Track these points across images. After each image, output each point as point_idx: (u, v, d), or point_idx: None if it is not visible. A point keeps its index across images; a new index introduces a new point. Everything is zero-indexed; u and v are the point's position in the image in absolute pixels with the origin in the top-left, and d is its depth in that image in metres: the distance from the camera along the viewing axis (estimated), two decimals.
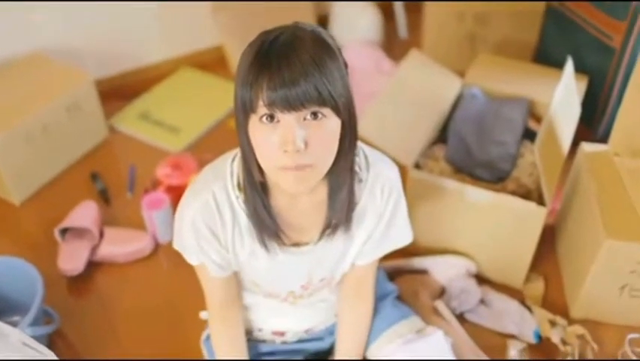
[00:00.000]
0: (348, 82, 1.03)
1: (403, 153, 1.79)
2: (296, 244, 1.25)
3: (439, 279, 1.85)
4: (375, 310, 1.52)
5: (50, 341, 1.74)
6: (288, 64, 0.93)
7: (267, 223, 1.17)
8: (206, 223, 1.18)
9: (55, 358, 1.19)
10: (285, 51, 0.95)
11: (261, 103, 0.96)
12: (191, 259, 1.25)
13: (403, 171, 1.86)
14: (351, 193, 1.16)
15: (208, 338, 1.61)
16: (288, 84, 0.93)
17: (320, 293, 1.41)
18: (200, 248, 1.22)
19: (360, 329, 1.44)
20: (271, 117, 0.97)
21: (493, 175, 1.85)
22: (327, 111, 0.98)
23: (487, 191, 1.72)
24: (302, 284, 1.34)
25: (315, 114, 0.97)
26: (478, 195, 1.72)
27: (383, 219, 1.27)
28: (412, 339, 1.48)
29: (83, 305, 1.87)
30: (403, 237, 1.36)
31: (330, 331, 1.54)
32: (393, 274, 1.84)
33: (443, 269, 1.85)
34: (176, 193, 2.04)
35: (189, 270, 1.53)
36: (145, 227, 2.03)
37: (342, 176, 1.12)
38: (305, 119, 0.98)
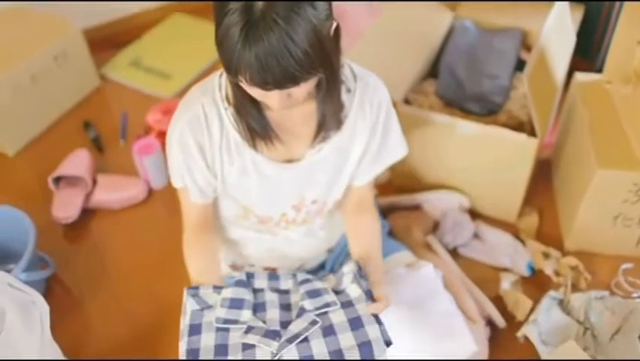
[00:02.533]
0: (330, 35, 1.01)
1: (392, 89, 1.75)
2: (287, 161, 1.25)
3: (431, 214, 1.84)
4: None
5: (47, 287, 1.76)
6: (265, 53, 0.93)
7: (257, 128, 1.17)
8: (193, 137, 1.18)
9: (41, 298, 1.20)
10: (259, 35, 0.93)
11: (243, 78, 0.98)
12: (176, 180, 1.27)
13: (394, 106, 1.85)
14: (339, 101, 1.17)
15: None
16: (267, 74, 0.95)
17: (311, 224, 1.40)
18: (187, 167, 1.22)
19: (372, 236, 1.37)
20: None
21: (484, 108, 1.83)
22: (304, 84, 1.01)
23: (477, 124, 1.69)
24: (294, 204, 1.33)
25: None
26: (468, 129, 1.70)
27: (377, 132, 1.27)
28: (402, 272, 1.48)
29: (78, 251, 1.89)
30: (398, 149, 1.36)
31: (322, 266, 1.55)
32: (385, 211, 1.84)
33: (436, 204, 1.84)
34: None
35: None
36: (138, 173, 2.03)
37: (329, 87, 1.12)
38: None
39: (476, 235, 1.83)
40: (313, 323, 1.10)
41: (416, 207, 1.88)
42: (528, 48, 1.99)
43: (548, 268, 1.71)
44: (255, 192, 1.29)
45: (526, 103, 1.81)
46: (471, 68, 1.88)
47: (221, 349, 1.08)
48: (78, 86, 2.36)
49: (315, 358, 1.05)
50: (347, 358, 1.05)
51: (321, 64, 0.98)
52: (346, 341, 1.07)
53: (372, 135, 1.28)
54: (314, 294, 1.16)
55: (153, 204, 2.00)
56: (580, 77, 1.82)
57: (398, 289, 1.43)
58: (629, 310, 1.54)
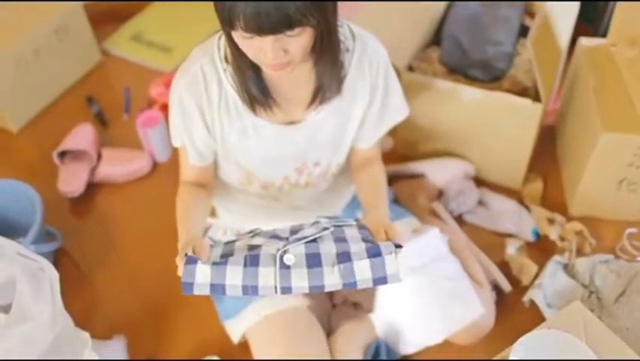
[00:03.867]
0: None
1: (396, 56, 1.75)
2: (288, 123, 1.25)
3: (436, 182, 1.84)
4: None
5: (55, 260, 1.77)
6: None
7: (256, 93, 1.17)
8: (193, 98, 1.20)
9: (50, 265, 1.21)
10: None
11: (238, 25, 0.99)
12: (175, 140, 1.28)
13: (397, 73, 1.84)
14: (337, 61, 1.17)
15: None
16: (262, 15, 0.95)
17: (316, 187, 1.40)
18: (186, 129, 1.24)
19: (379, 182, 1.37)
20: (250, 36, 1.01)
21: (488, 75, 1.82)
22: (299, 30, 1.00)
23: (481, 89, 1.69)
24: (296, 167, 1.33)
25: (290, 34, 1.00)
26: (472, 95, 1.70)
27: (377, 92, 1.28)
28: (408, 237, 1.48)
29: (84, 225, 1.90)
30: (400, 109, 1.37)
31: None
32: (389, 180, 1.83)
33: (440, 172, 1.84)
34: None
35: None
36: (142, 147, 2.03)
37: (326, 47, 1.11)
38: (288, 36, 1.01)
39: (481, 202, 1.83)
40: (325, 229, 1.09)
41: (420, 176, 1.88)
42: (531, 15, 1.97)
43: (553, 234, 1.71)
44: (255, 155, 1.30)
45: (530, 69, 1.80)
46: (474, 35, 1.86)
47: (227, 255, 1.06)
48: (80, 61, 2.35)
49: (322, 257, 1.02)
50: (354, 260, 1.02)
51: (316, 10, 0.98)
52: (356, 248, 1.04)
53: (372, 95, 1.28)
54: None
55: (158, 176, 2.01)
56: (584, 41, 1.80)
57: (404, 255, 1.44)
58: (634, 272, 1.54)
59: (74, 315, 1.41)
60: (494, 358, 1.17)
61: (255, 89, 1.17)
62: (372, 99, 1.29)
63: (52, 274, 1.19)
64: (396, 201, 1.72)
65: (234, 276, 1.02)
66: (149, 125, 1.96)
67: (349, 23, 1.24)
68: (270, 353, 1.41)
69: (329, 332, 1.49)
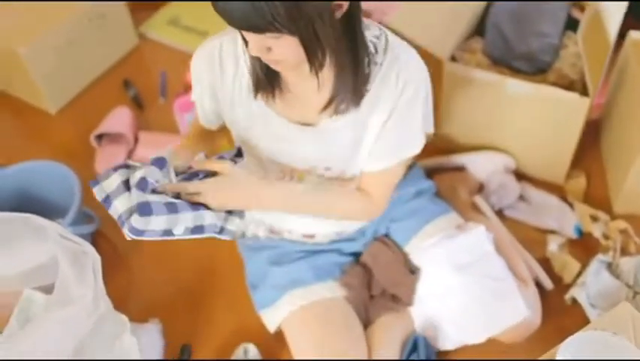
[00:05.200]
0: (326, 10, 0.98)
1: (438, 46, 1.72)
2: (301, 124, 1.22)
3: (476, 175, 1.81)
4: (413, 207, 1.51)
5: (92, 242, 1.78)
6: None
7: (262, 77, 1.16)
8: (207, 71, 1.21)
9: (92, 248, 1.21)
10: None
11: None
12: (194, 94, 1.30)
13: (438, 64, 1.81)
14: (356, 74, 1.12)
15: (240, 234, 1.62)
16: (228, 14, 0.96)
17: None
18: (198, 95, 1.27)
19: (330, 198, 1.31)
20: None
21: (532, 67, 1.78)
22: (275, 35, 0.98)
23: (527, 82, 1.65)
24: (304, 167, 1.30)
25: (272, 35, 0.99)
26: (517, 87, 1.66)
27: (397, 111, 1.18)
28: (452, 234, 1.46)
29: None
30: (414, 142, 1.24)
31: (363, 232, 1.52)
32: (430, 172, 1.81)
33: (481, 165, 1.81)
34: None
35: None
36: (178, 131, 2.03)
37: (344, 57, 1.08)
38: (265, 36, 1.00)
39: (521, 197, 1.79)
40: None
41: (460, 169, 1.85)
42: (581, 8, 1.92)
43: (596, 231, 1.67)
44: (263, 144, 1.28)
45: (577, 62, 1.76)
46: (519, 26, 1.82)
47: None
48: (117, 45, 2.35)
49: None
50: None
51: (293, 24, 0.95)
52: None
53: (392, 110, 1.18)
54: None
55: None
56: (634, 35, 1.75)
57: (449, 252, 1.42)
58: None
59: (111, 298, 1.41)
60: (537, 359, 1.14)
61: (262, 75, 1.15)
62: (391, 114, 1.19)
63: (95, 258, 1.19)
64: (436, 194, 1.68)
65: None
66: (185, 109, 1.95)
67: (390, 35, 1.17)
68: (306, 344, 1.40)
69: (366, 324, 1.47)
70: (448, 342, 1.44)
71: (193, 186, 1.16)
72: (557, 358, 1.07)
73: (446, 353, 1.48)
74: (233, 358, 1.50)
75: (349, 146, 1.24)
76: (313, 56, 1.03)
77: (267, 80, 1.16)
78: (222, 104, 1.26)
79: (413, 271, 1.48)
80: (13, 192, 1.79)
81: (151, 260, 1.76)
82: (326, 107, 1.16)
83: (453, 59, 1.78)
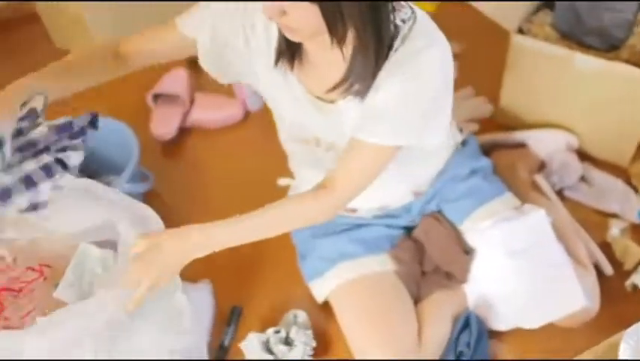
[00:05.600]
0: None
1: (506, 17, 1.67)
2: (320, 99, 1.18)
3: (538, 153, 1.75)
4: (468, 187, 1.47)
5: (145, 200, 1.79)
6: None
7: (283, 40, 1.10)
8: (231, 22, 1.14)
9: (153, 213, 1.21)
10: None
11: None
12: (185, 25, 1.19)
13: (504, 35, 1.75)
14: (370, 57, 1.03)
15: None
16: None
17: None
18: (212, 21, 1.15)
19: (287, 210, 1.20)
20: None
21: (604, 43, 1.70)
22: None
23: (598, 58, 1.58)
24: (326, 141, 1.27)
25: None
26: (587, 63, 1.59)
27: (396, 97, 1.08)
28: (509, 217, 1.42)
29: (175, 169, 1.91)
30: (398, 134, 1.11)
31: (408, 209, 1.49)
32: (489, 148, 1.76)
33: (543, 143, 1.75)
34: None
35: (278, 138, 1.52)
36: (234, 93, 2.02)
37: (368, 35, 1.00)
38: None
39: (583, 178, 1.74)
40: None
41: (521, 146, 1.79)
42: None
43: None
44: (284, 107, 1.24)
45: None
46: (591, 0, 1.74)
47: None
48: (177, 5, 2.34)
49: None
50: None
51: None
52: None
53: (394, 96, 1.08)
54: None
55: (249, 126, 2.00)
56: None
57: (506, 234, 1.38)
58: None
59: None
60: (595, 346, 1.10)
61: (283, 40, 1.10)
62: (388, 97, 1.08)
63: (159, 224, 1.20)
64: (494, 171, 1.63)
65: None
66: None
67: (420, 21, 1.08)
68: (353, 317, 1.40)
69: (417, 300, 1.45)
70: (501, 323, 1.42)
71: (128, 282, 1.08)
72: (621, 345, 1.03)
73: (498, 332, 1.44)
74: (282, 323, 1.49)
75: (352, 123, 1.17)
76: (334, 28, 0.96)
77: (287, 47, 1.11)
78: (242, 60, 1.19)
79: (467, 250, 1.46)
80: None
81: (202, 221, 1.75)
82: (338, 85, 1.09)
83: (520, 31, 1.72)
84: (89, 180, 1.24)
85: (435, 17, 1.13)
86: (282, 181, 1.63)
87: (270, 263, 1.65)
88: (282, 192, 1.63)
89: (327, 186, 1.14)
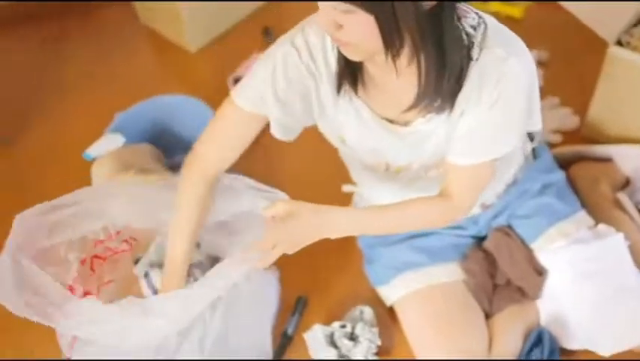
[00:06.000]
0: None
1: (605, 27, 1.61)
2: (393, 121, 1.13)
3: (623, 169, 1.69)
4: (539, 204, 1.43)
5: None
6: None
7: (346, 65, 1.06)
8: (298, 65, 1.10)
9: (286, 196, 1.21)
10: None
11: None
12: (242, 100, 1.15)
13: (601, 46, 1.69)
14: (444, 72, 0.99)
15: None
16: None
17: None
18: (277, 104, 1.13)
19: (406, 215, 1.18)
20: None
21: None
22: (347, 7, 0.88)
23: None
24: (398, 165, 1.23)
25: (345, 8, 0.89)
26: None
27: (492, 110, 1.05)
28: (584, 238, 1.37)
29: (252, 152, 1.88)
30: (505, 142, 1.11)
31: (474, 221, 1.46)
32: (571, 160, 1.70)
33: (629, 159, 1.68)
34: None
35: None
36: None
37: (431, 50, 0.95)
38: (336, 9, 0.90)
39: None
40: None
41: (606, 160, 1.73)
42: None
43: None
44: (353, 136, 1.20)
45: None
46: None
47: None
48: None
49: None
50: None
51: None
52: None
53: (488, 109, 1.05)
54: None
55: None
56: None
57: (580, 258, 1.34)
58: None
59: None
60: None
61: (344, 63, 1.06)
62: (481, 115, 1.06)
63: None
64: (572, 186, 1.57)
65: None
66: None
67: (490, 25, 1.03)
68: (419, 327, 1.39)
69: (488, 313, 1.42)
70: (574, 342, 1.37)
71: (264, 243, 1.10)
72: None
73: (571, 351, 1.40)
74: (347, 317, 1.48)
75: (443, 146, 1.14)
76: (389, 40, 0.91)
77: (347, 69, 1.07)
78: (314, 105, 1.16)
79: (539, 269, 1.41)
80: (149, 123, 1.84)
81: None
82: (414, 106, 1.04)
83: (619, 43, 1.65)
84: (233, 176, 1.29)
85: (523, 21, 1.08)
86: (347, 188, 1.60)
87: (340, 256, 1.64)
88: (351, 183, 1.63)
89: (445, 197, 1.15)
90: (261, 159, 1.88)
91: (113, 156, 1.60)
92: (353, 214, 1.17)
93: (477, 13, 1.02)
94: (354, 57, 0.99)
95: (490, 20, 1.04)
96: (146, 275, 1.32)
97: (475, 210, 1.42)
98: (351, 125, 1.17)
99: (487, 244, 1.46)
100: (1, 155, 2.00)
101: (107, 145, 1.67)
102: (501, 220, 1.46)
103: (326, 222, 1.11)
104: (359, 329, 1.42)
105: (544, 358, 1.34)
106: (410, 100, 1.03)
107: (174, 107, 1.85)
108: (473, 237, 1.49)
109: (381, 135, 1.16)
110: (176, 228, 1.21)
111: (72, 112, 2.11)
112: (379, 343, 1.42)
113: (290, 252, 1.11)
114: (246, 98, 1.14)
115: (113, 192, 1.28)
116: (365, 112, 1.14)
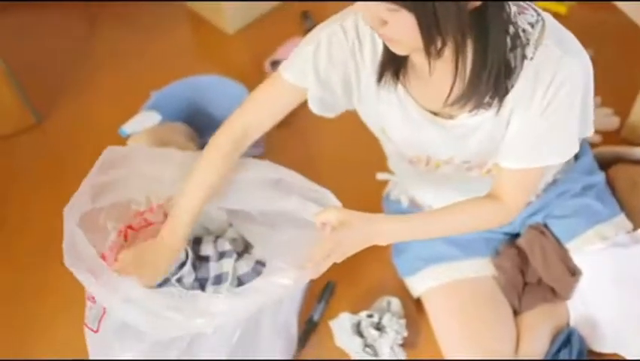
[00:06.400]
0: None
1: None
2: (437, 113, 1.12)
3: None
4: (579, 205, 1.40)
5: None
6: None
7: (388, 56, 1.04)
8: (343, 45, 1.09)
9: (331, 195, 1.21)
10: None
11: None
12: (286, 73, 1.16)
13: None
14: (492, 71, 0.96)
15: (385, 197, 1.59)
16: None
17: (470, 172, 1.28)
18: (315, 73, 1.13)
19: (456, 219, 1.17)
20: None
21: None
22: (391, 6, 0.86)
23: None
24: (441, 158, 1.22)
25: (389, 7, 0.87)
26: None
27: (548, 112, 1.03)
28: (622, 242, 1.35)
29: (286, 138, 1.90)
30: (561, 149, 1.10)
31: None
32: (609, 161, 1.67)
33: None
34: None
35: None
36: None
37: (474, 53, 0.94)
38: (380, 5, 0.88)
39: None
40: None
41: None
42: None
43: None
44: (396, 129, 1.19)
45: None
46: None
47: None
48: None
49: None
50: None
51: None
52: None
53: (542, 111, 1.04)
54: None
55: None
56: None
57: (617, 261, 1.31)
58: None
59: None
60: None
61: (388, 54, 1.04)
62: (537, 119, 1.05)
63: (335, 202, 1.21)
64: (610, 188, 1.54)
65: None
66: None
67: (548, 23, 1.00)
68: (446, 321, 1.38)
69: (517, 311, 1.41)
70: (603, 345, 1.35)
71: (318, 254, 1.09)
72: None
73: (599, 354, 1.38)
74: (374, 307, 1.48)
75: (488, 142, 1.13)
76: (429, 40, 0.89)
77: (392, 61, 1.05)
78: (354, 90, 1.16)
79: (573, 270, 1.39)
80: (184, 102, 1.84)
81: None
82: (455, 102, 1.02)
83: None
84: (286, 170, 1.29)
85: (568, 18, 1.06)
86: (382, 176, 1.60)
87: (368, 247, 1.63)
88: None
89: (496, 199, 1.14)
90: (298, 145, 1.88)
91: (149, 133, 1.60)
92: (404, 223, 1.15)
93: (536, 11, 1.00)
94: (399, 52, 0.98)
95: (549, 18, 1.01)
96: None
97: None
98: (393, 116, 1.16)
99: (520, 241, 1.44)
100: (37, 130, 2.03)
101: (143, 122, 1.68)
102: (537, 219, 1.44)
103: (377, 231, 1.11)
104: (386, 320, 1.41)
105: (573, 358, 1.32)
106: (455, 93, 1.01)
107: (210, 87, 1.85)
108: (507, 233, 1.48)
109: (425, 127, 1.15)
110: (191, 183, 1.18)
111: (108, 89, 2.13)
112: (405, 334, 1.41)
113: (339, 260, 1.10)
114: (289, 71, 1.16)
115: (164, 160, 1.27)
116: (409, 103, 1.12)
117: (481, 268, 1.42)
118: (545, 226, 1.44)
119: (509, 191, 1.13)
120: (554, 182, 1.42)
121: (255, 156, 1.72)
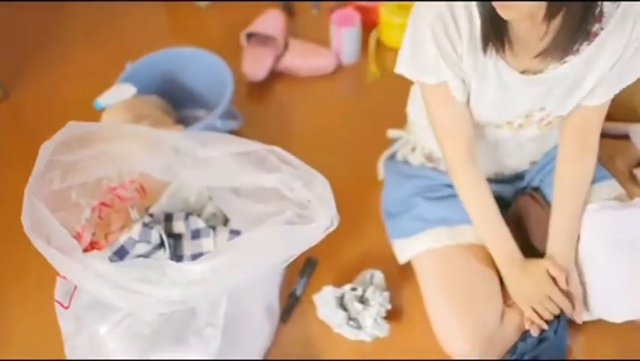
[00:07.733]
0: None
1: None
2: (526, 71, 1.15)
3: (638, 146, 1.67)
4: None
5: None
6: None
7: (490, 25, 1.06)
8: (445, 32, 1.10)
9: (321, 177, 1.22)
10: None
11: None
12: (429, 77, 1.18)
13: None
14: (587, 14, 0.99)
15: (388, 158, 1.58)
16: None
17: (522, 132, 1.31)
18: (445, 60, 1.14)
19: (579, 193, 1.32)
20: None
21: None
22: None
23: None
24: (519, 115, 1.24)
25: None
26: None
27: (630, 50, 1.11)
28: (615, 206, 1.35)
29: (261, 111, 1.88)
30: (631, 78, 1.18)
31: (521, 176, 1.47)
32: None
33: None
34: (366, 14, 1.95)
35: (370, 94, 1.41)
36: (329, 45, 1.97)
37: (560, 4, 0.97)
38: None
39: None
40: None
41: (623, 137, 1.71)
42: None
43: None
44: (487, 99, 1.21)
45: None
46: None
47: None
48: None
49: None
50: None
51: None
52: None
53: (624, 52, 1.11)
54: None
55: (340, 78, 1.95)
56: None
57: (613, 222, 1.32)
58: None
59: None
60: None
61: (491, 24, 1.06)
62: (623, 54, 1.12)
63: (324, 182, 1.22)
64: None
65: None
66: (343, 24, 1.88)
67: None
68: (437, 284, 1.36)
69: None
70: (590, 313, 1.36)
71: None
72: None
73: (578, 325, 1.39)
74: (357, 281, 1.47)
75: (570, 87, 1.18)
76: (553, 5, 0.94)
77: (495, 30, 1.07)
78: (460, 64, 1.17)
79: None
80: (159, 75, 1.79)
81: None
82: (539, 54, 1.07)
83: None
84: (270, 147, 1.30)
85: None
86: (392, 133, 1.59)
87: (350, 220, 1.61)
88: (362, 148, 1.60)
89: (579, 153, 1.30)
90: (273, 119, 1.86)
91: (124, 106, 1.56)
92: (568, 235, 1.31)
93: None
94: (507, 16, 1.00)
95: None
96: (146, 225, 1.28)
97: (525, 165, 1.45)
98: (488, 84, 1.18)
99: (515, 207, 1.45)
100: (3, 105, 1.97)
101: (117, 94, 1.63)
102: (536, 180, 1.46)
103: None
104: (370, 293, 1.40)
105: (559, 327, 1.32)
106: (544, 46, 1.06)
107: (185, 59, 1.80)
108: (510, 201, 1.49)
109: (517, 87, 1.17)
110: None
111: (81, 64, 2.07)
112: (389, 307, 1.41)
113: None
114: (434, 75, 1.17)
115: (134, 136, 1.24)
116: (502, 67, 1.14)
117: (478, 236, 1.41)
118: (537, 190, 1.46)
119: (590, 123, 1.27)
120: (547, 153, 1.45)
121: (231, 130, 1.71)
